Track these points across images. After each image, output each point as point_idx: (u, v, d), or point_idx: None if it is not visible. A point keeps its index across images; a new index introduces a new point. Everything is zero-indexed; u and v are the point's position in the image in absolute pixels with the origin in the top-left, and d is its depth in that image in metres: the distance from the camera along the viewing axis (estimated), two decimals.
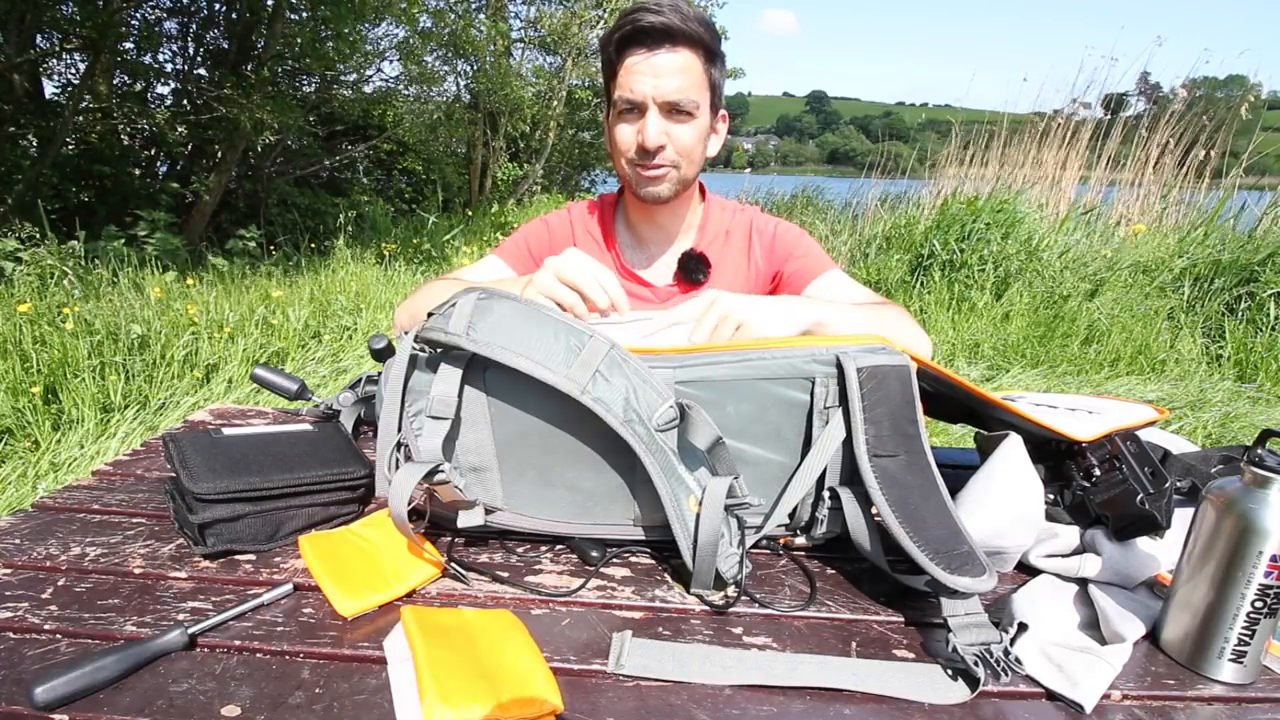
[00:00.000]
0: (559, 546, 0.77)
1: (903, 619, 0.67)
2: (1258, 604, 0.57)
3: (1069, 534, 0.74)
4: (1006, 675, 0.57)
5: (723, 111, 1.10)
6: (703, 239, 1.15)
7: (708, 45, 1.00)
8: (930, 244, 4.47)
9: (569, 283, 0.80)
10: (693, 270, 1.12)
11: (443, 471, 0.67)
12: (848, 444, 0.69)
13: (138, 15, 5.48)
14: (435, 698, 0.49)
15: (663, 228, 1.15)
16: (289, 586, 0.66)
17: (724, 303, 0.79)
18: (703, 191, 1.18)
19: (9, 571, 0.68)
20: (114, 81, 5.38)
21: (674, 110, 0.99)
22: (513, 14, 9.76)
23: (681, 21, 0.96)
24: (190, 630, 0.58)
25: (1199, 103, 5.48)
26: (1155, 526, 0.68)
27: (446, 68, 9.02)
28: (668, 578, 0.72)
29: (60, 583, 0.66)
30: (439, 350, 0.70)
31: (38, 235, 3.85)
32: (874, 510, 0.68)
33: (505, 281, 0.95)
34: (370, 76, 8.06)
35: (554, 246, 1.15)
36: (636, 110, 1.00)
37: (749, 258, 1.15)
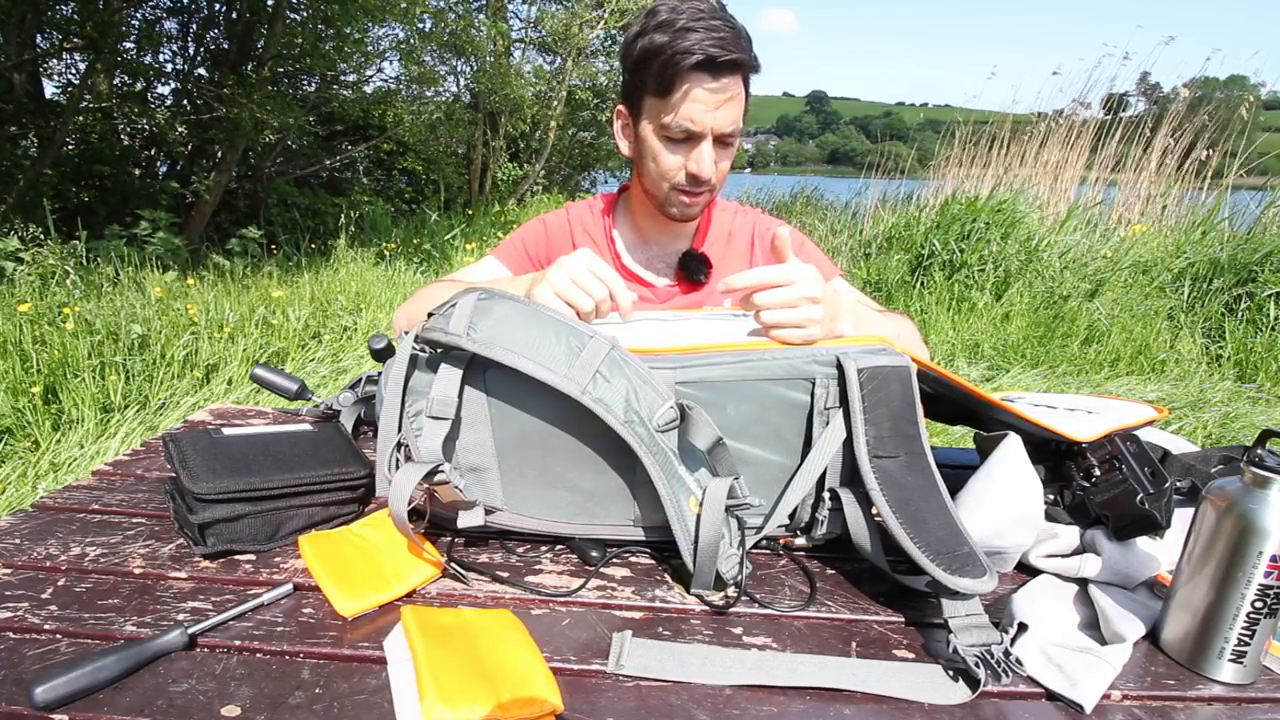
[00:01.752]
0: (559, 546, 0.77)
1: (903, 619, 0.67)
2: (1258, 604, 0.57)
3: (1069, 534, 0.74)
4: (1007, 676, 0.57)
5: None
6: (705, 240, 1.15)
7: (756, 67, 0.98)
8: (930, 244, 4.47)
9: (584, 288, 0.76)
10: (694, 270, 1.11)
11: (443, 471, 0.67)
12: (848, 445, 0.69)
13: (138, 15, 5.49)
14: (435, 698, 0.49)
15: (669, 229, 1.15)
16: (289, 586, 0.66)
17: (823, 309, 0.73)
18: None
19: (9, 571, 0.68)
20: (114, 81, 5.38)
21: (722, 140, 0.99)
22: (512, 14, 9.77)
23: (743, 52, 0.94)
24: (190, 630, 0.58)
25: (1199, 103, 5.48)
26: (1155, 526, 0.68)
27: (446, 68, 9.02)
28: (668, 578, 0.72)
29: (60, 583, 0.66)
30: (439, 350, 0.70)
31: (41, 235, 3.85)
32: (874, 511, 0.68)
33: (509, 280, 0.94)
34: (370, 76, 8.07)
35: (551, 246, 1.15)
36: (691, 138, 0.97)
37: (750, 262, 1.15)
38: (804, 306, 0.72)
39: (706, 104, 0.94)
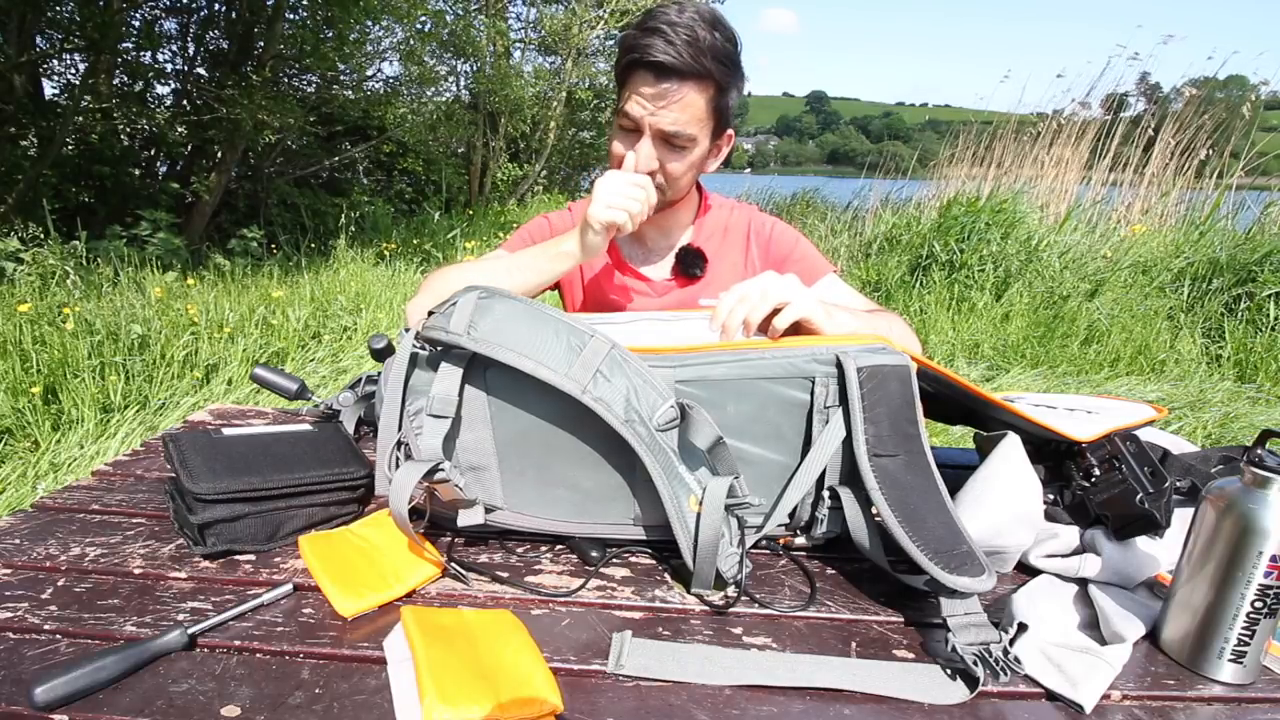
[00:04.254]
0: (559, 546, 0.77)
1: (902, 619, 0.67)
2: (1257, 604, 0.57)
3: (1069, 534, 0.74)
4: (1006, 675, 0.57)
5: (728, 132, 1.07)
6: (700, 235, 1.16)
7: (718, 80, 0.97)
8: (930, 244, 4.47)
9: (631, 196, 0.93)
10: (690, 265, 1.12)
11: (443, 470, 0.67)
12: (848, 444, 0.69)
13: (138, 15, 5.48)
14: (435, 698, 0.49)
15: (659, 226, 1.16)
16: (289, 586, 0.66)
17: (758, 283, 0.80)
18: (700, 190, 1.19)
19: (9, 571, 0.68)
20: (114, 82, 5.38)
21: (669, 140, 0.99)
22: (513, 14, 9.78)
23: (693, 59, 0.92)
24: (190, 630, 0.58)
25: (1199, 103, 5.48)
26: (1155, 526, 0.68)
27: (446, 68, 9.02)
28: (668, 578, 0.72)
29: (60, 583, 0.66)
30: (440, 349, 0.70)
31: (41, 235, 3.85)
32: (874, 510, 0.68)
33: (552, 241, 1.02)
34: (370, 76, 8.06)
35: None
36: (635, 128, 0.99)
37: (746, 256, 1.16)
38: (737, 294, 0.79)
39: (646, 102, 0.96)
